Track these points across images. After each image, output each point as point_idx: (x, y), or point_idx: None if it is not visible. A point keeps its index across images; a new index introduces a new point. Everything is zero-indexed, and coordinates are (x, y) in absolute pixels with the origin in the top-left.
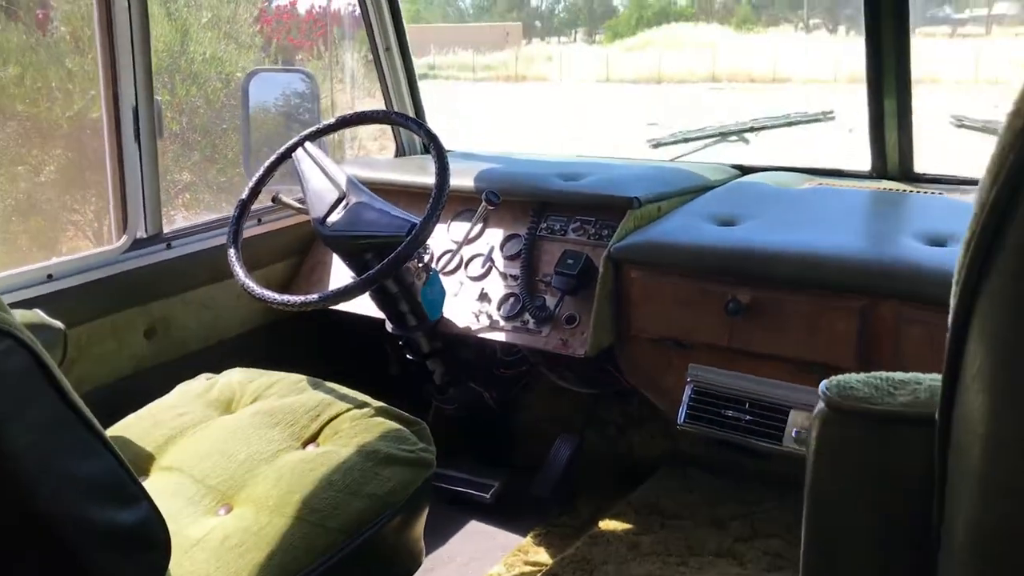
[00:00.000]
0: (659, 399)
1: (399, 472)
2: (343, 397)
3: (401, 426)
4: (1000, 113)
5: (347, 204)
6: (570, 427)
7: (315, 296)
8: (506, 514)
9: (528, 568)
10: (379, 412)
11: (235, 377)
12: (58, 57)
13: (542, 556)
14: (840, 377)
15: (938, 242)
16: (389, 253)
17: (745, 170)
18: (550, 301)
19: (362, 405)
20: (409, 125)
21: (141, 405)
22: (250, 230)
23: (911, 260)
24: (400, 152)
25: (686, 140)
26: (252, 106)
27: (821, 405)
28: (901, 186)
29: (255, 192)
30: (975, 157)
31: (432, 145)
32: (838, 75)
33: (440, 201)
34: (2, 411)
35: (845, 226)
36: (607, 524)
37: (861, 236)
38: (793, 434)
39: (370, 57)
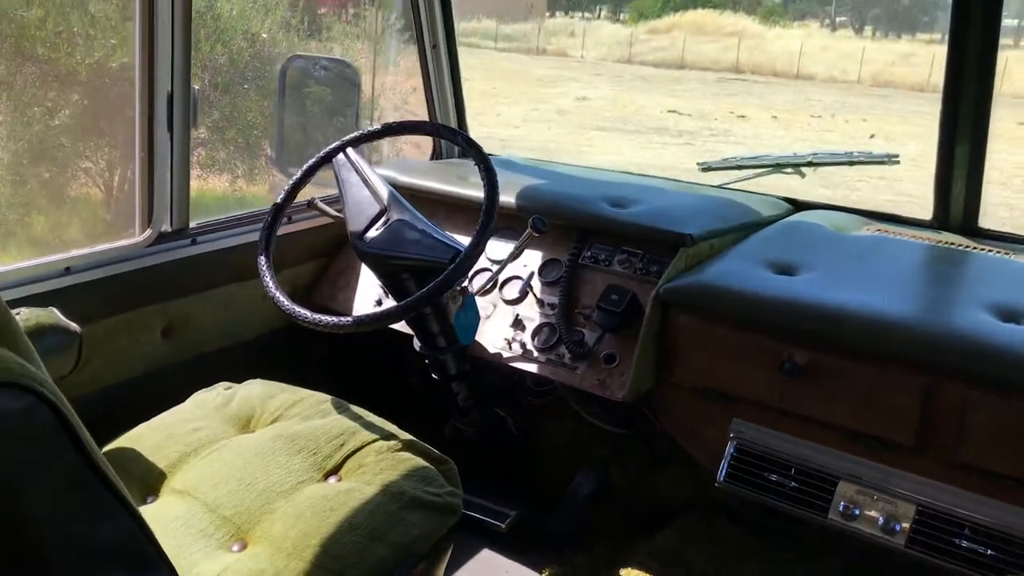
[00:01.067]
0: (696, 451)
1: (425, 518)
2: (369, 426)
3: (429, 464)
4: None
5: (388, 220)
6: (592, 461)
7: (349, 320)
8: (520, 546)
9: None
10: (406, 446)
11: (255, 391)
12: (82, 2)
13: None
14: None
15: (1011, 318)
16: (428, 278)
17: (798, 205)
18: (589, 336)
19: (389, 436)
20: (459, 141)
21: (153, 408)
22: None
23: (984, 337)
24: (436, 155)
25: (740, 167)
26: (288, 92)
27: None
28: (965, 241)
29: (291, 196)
30: None
31: (483, 167)
32: (862, 76)
33: (488, 229)
34: (21, 474)
35: (912, 288)
36: (629, 574)
37: (930, 303)
38: (840, 507)
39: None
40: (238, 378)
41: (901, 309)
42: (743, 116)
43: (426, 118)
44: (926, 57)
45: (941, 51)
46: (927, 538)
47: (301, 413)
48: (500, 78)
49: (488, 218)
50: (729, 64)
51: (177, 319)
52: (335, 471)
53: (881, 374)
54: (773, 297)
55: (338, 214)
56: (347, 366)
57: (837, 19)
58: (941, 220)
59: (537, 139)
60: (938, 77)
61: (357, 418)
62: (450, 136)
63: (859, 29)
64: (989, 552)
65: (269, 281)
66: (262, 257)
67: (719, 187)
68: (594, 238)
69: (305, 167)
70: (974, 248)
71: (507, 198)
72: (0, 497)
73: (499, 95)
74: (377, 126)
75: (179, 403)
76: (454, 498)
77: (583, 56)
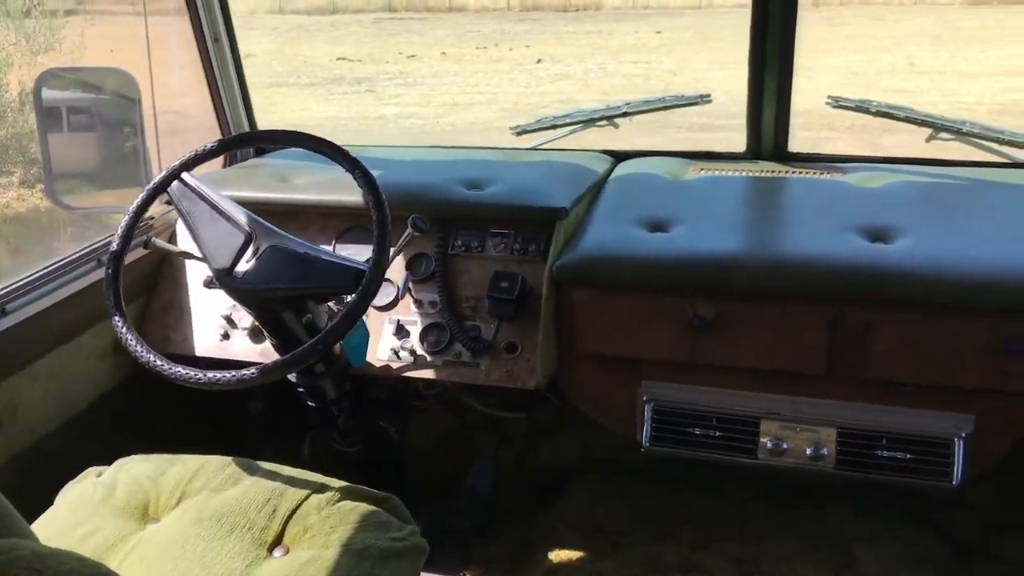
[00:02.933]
0: (608, 421)
1: (398, 567)
2: (292, 481)
3: (375, 507)
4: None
5: (258, 250)
6: (480, 450)
7: (253, 371)
8: (432, 553)
9: None
10: (344, 495)
11: (136, 470)
12: None
13: None
14: None
15: (879, 237)
16: (305, 307)
17: (618, 156)
18: (485, 330)
19: (320, 488)
20: (324, 151)
21: (10, 523)
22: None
23: (869, 261)
24: (230, 159)
25: (553, 127)
26: (50, 113)
27: None
28: (779, 167)
29: (127, 239)
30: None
31: (360, 176)
32: (511, 3)
33: (387, 240)
34: None
35: (780, 225)
36: (557, 555)
37: (806, 236)
38: (768, 446)
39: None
40: (93, 458)
41: (786, 248)
42: (413, 56)
43: (213, 120)
44: None
45: None
46: (851, 456)
47: (208, 485)
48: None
49: (384, 229)
50: (382, 4)
51: (3, 407)
52: (277, 542)
53: (785, 312)
54: (664, 256)
55: (188, 252)
56: (197, 412)
57: None
58: (754, 150)
59: (189, 108)
60: None
61: (273, 475)
62: (314, 147)
63: None
64: (908, 456)
65: (138, 348)
66: (117, 317)
67: (534, 148)
68: (458, 225)
69: (136, 204)
70: (794, 173)
71: (351, 196)
72: None
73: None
74: (212, 143)
75: (46, 506)
76: (415, 536)
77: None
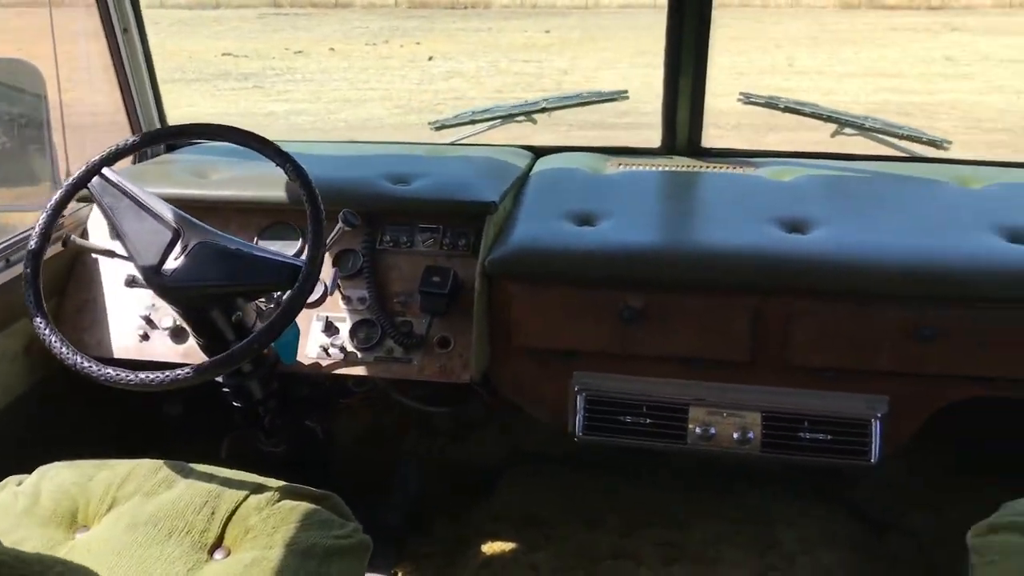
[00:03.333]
0: (541, 413)
1: (345, 565)
2: (228, 483)
3: (316, 505)
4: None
5: (187, 247)
6: (405, 446)
7: (188, 371)
8: None
9: None
10: (283, 494)
11: (60, 477)
12: None
13: None
14: None
15: (796, 228)
16: (234, 305)
17: (537, 151)
18: (417, 325)
19: (258, 489)
20: (253, 145)
21: None
22: None
23: (790, 253)
24: (140, 155)
25: (472, 122)
26: None
27: None
28: (694, 162)
29: (46, 237)
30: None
31: (292, 170)
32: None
33: (322, 236)
34: None
35: (702, 219)
36: (491, 548)
37: (731, 228)
38: (697, 431)
39: None
40: (9, 467)
41: (709, 240)
42: (300, 52)
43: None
44: None
45: None
46: (776, 439)
47: (140, 489)
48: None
49: (318, 224)
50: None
51: None
52: (218, 544)
53: (710, 302)
54: (594, 250)
55: (107, 248)
56: (107, 414)
57: None
58: (669, 146)
59: (95, 102)
60: None
61: (208, 477)
62: (240, 140)
63: None
64: (829, 437)
65: (64, 349)
66: (38, 319)
67: (453, 144)
68: (386, 220)
69: (55, 201)
70: (708, 168)
71: (271, 192)
72: None
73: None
74: (135, 137)
75: None
76: (359, 533)
77: None
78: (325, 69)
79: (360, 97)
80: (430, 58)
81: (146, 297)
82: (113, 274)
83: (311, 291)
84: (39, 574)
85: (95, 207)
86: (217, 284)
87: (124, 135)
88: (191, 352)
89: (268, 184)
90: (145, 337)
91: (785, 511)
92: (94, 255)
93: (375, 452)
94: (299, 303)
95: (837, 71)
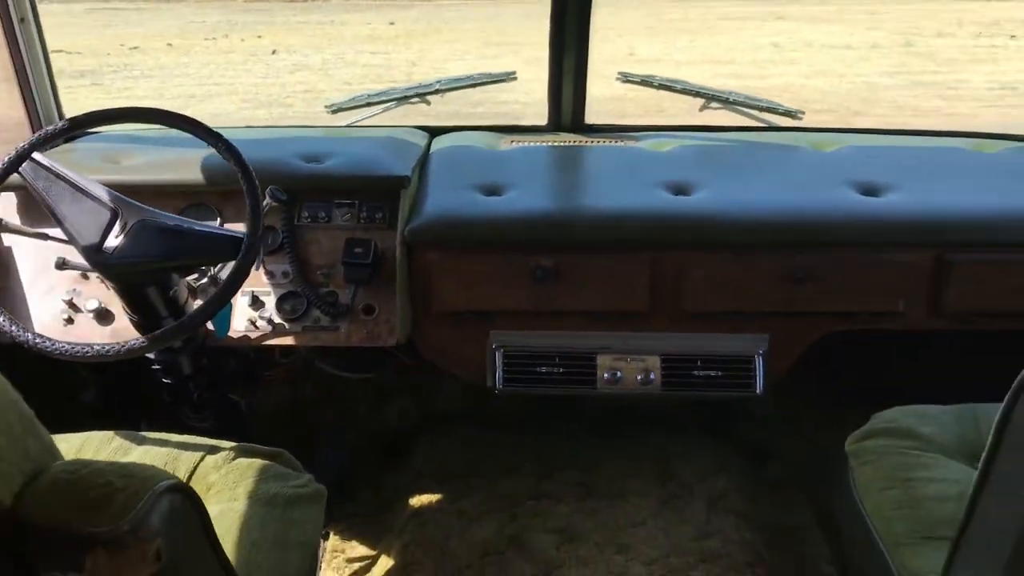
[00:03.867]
0: (461, 370)
1: (306, 510)
2: (182, 445)
3: (269, 461)
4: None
5: (126, 225)
6: (327, 414)
7: (143, 340)
8: None
9: (359, 565)
10: (238, 452)
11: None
12: None
13: (364, 550)
14: None
15: (680, 191)
16: (170, 282)
17: (432, 131)
18: (342, 295)
19: (212, 449)
20: (183, 127)
21: None
22: None
23: (682, 213)
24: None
25: (368, 104)
26: None
27: None
28: (579, 137)
29: None
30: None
31: (224, 148)
32: None
33: (259, 207)
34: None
35: (598, 185)
36: (417, 500)
37: (626, 193)
38: (605, 376)
39: None
40: None
41: (608, 204)
42: (136, 47)
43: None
44: None
45: None
46: (674, 378)
47: (98, 457)
48: None
49: (255, 197)
50: None
51: None
52: None
53: (613, 260)
54: (506, 217)
55: (40, 231)
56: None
57: None
58: (555, 123)
59: None
60: None
61: (162, 443)
62: (171, 122)
63: None
64: (719, 374)
65: (14, 327)
66: None
67: (350, 126)
68: (303, 197)
69: None
70: (594, 142)
71: (186, 175)
72: None
73: None
74: (63, 122)
75: None
76: (313, 483)
77: None
78: (164, 65)
79: (205, 92)
80: (274, 52)
81: (68, 282)
82: (29, 261)
83: (254, 259)
84: (135, 474)
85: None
86: (160, 259)
87: (19, 130)
88: (119, 332)
89: (182, 167)
90: (70, 321)
91: (681, 448)
92: (5, 243)
93: (298, 423)
94: (245, 271)
95: (675, 59)
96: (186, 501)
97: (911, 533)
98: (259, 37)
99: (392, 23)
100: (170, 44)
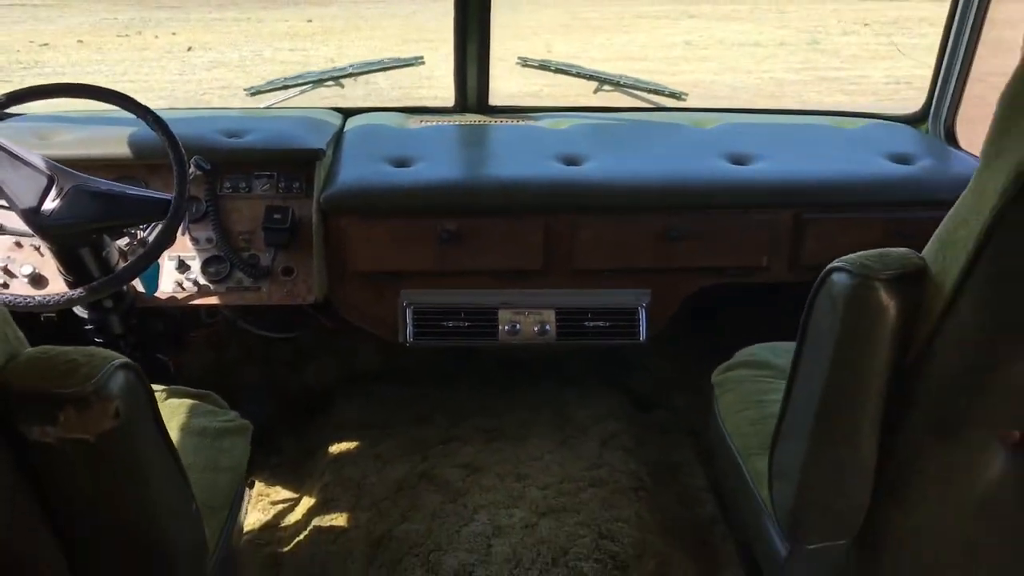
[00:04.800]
0: (375, 327)
1: (234, 442)
2: None
3: (197, 401)
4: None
5: (63, 190)
6: (245, 375)
7: (81, 291)
8: None
9: (284, 506)
10: (169, 393)
11: None
12: None
13: (287, 493)
14: (848, 257)
15: (571, 162)
16: (103, 243)
17: (346, 112)
18: (263, 258)
19: None
20: (111, 99)
21: None
22: None
23: (572, 181)
24: None
25: (285, 87)
26: None
27: (846, 278)
28: (484, 118)
29: None
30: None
31: (153, 120)
32: None
33: (186, 173)
34: None
35: (499, 157)
36: (336, 448)
37: (522, 164)
38: (505, 328)
39: None
40: None
41: (506, 173)
42: (46, 44)
43: None
44: None
45: None
46: (568, 329)
47: None
48: None
49: (182, 165)
50: None
51: None
52: None
53: (510, 223)
54: (413, 186)
55: None
56: None
57: None
58: (461, 105)
59: None
60: None
61: None
62: (98, 95)
63: None
64: (608, 324)
65: None
66: None
67: (268, 108)
68: (223, 170)
69: None
70: (497, 121)
71: (119, 149)
72: None
73: None
74: (1, 96)
75: None
76: (238, 418)
77: None
78: (76, 62)
79: (120, 89)
80: (189, 49)
81: (2, 250)
82: None
83: (182, 218)
84: None
85: None
86: (94, 220)
87: None
88: (53, 295)
89: (110, 143)
90: (4, 286)
91: (576, 396)
92: None
93: (223, 383)
94: (173, 229)
95: (592, 56)
96: (136, 376)
97: (760, 444)
98: (174, 34)
99: (310, 20)
100: (81, 41)
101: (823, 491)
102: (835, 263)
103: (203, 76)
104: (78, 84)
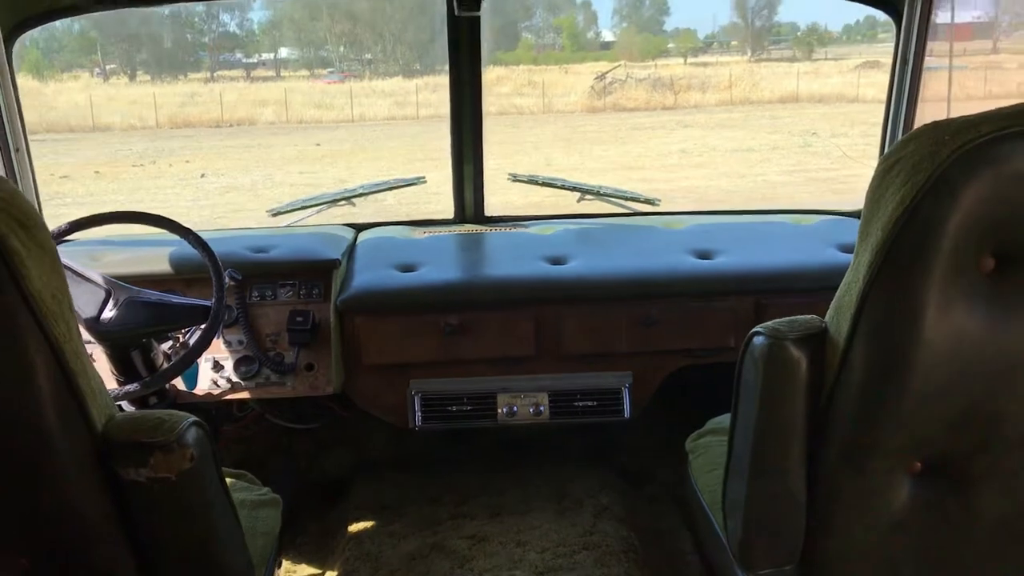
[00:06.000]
0: (387, 415)
1: (268, 512)
2: None
3: (234, 479)
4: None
5: (118, 301)
6: (270, 465)
7: (136, 385)
8: None
9: (314, 572)
10: None
11: None
12: None
13: (312, 569)
14: (764, 324)
15: (557, 262)
16: (151, 346)
17: (357, 227)
18: (287, 356)
19: None
20: (159, 224)
21: None
22: None
23: (558, 278)
24: None
25: (304, 207)
26: None
27: (763, 340)
28: (481, 227)
29: None
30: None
31: (194, 240)
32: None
33: (223, 284)
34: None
35: (495, 260)
36: (355, 528)
37: (514, 265)
38: (503, 411)
39: None
40: None
41: (501, 273)
42: (66, 176)
43: None
44: (211, 95)
45: (222, 87)
46: (559, 409)
47: None
48: None
49: (219, 276)
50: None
51: None
52: None
53: (505, 316)
54: (418, 287)
55: None
56: None
57: (108, 67)
58: (460, 217)
59: None
60: (229, 111)
61: None
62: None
63: (132, 76)
64: (595, 403)
65: None
66: None
67: (289, 226)
68: (253, 281)
69: None
70: (492, 230)
71: (161, 267)
72: None
73: None
74: (66, 223)
75: None
76: (271, 493)
77: None
78: (93, 192)
79: None
80: (202, 175)
81: None
82: None
83: (222, 321)
84: None
85: None
86: (146, 326)
87: None
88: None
89: (152, 261)
90: None
91: (572, 473)
92: None
93: (251, 471)
94: (213, 331)
95: (590, 167)
96: (203, 431)
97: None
98: (187, 162)
99: (318, 144)
100: (98, 172)
101: (765, 521)
102: (755, 329)
103: (216, 200)
104: (131, 211)
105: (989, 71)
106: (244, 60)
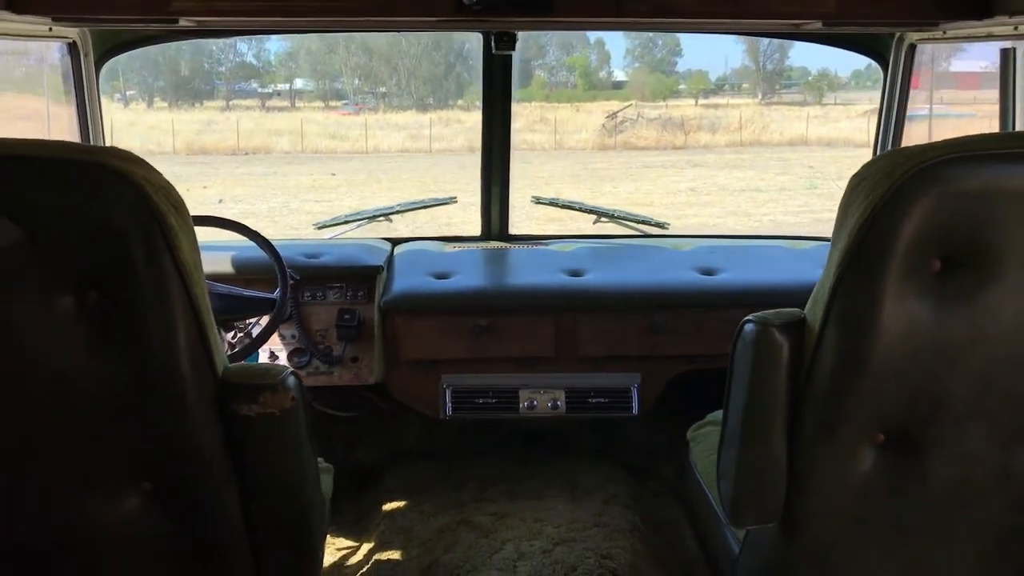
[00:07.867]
0: (420, 405)
1: (324, 478)
2: None
3: None
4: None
5: None
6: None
7: None
8: None
9: (347, 551)
10: None
11: None
12: None
13: (349, 542)
14: (754, 314)
15: (575, 274)
16: (218, 336)
17: (394, 241)
18: (336, 349)
19: None
20: (234, 229)
21: None
22: None
23: (576, 288)
24: None
25: (347, 222)
26: None
27: (752, 326)
28: (506, 244)
29: None
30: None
31: (262, 242)
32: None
33: (287, 280)
34: None
35: (518, 271)
36: (388, 507)
37: (537, 275)
38: (524, 405)
39: None
40: None
41: (525, 282)
42: None
43: None
44: (227, 123)
45: (238, 115)
46: (575, 405)
47: None
48: None
49: (284, 272)
50: None
51: None
52: None
53: (528, 320)
54: (452, 292)
55: None
56: None
57: (127, 93)
58: (486, 234)
59: None
60: (245, 139)
61: None
62: (222, 224)
63: (150, 102)
64: (607, 401)
65: None
66: None
67: (333, 239)
68: (305, 283)
69: None
70: (517, 246)
71: (224, 267)
72: None
73: None
74: None
75: None
76: (323, 462)
77: None
78: None
79: None
80: (220, 201)
81: None
82: None
83: (286, 312)
84: None
85: None
86: (217, 314)
87: None
88: None
89: (216, 263)
90: None
91: (583, 466)
92: None
93: None
94: (278, 322)
95: (599, 203)
96: (298, 379)
97: None
98: (204, 187)
99: (334, 174)
100: None
101: (752, 483)
102: (746, 318)
103: None
104: (210, 216)
105: (994, 119)
106: (260, 90)
